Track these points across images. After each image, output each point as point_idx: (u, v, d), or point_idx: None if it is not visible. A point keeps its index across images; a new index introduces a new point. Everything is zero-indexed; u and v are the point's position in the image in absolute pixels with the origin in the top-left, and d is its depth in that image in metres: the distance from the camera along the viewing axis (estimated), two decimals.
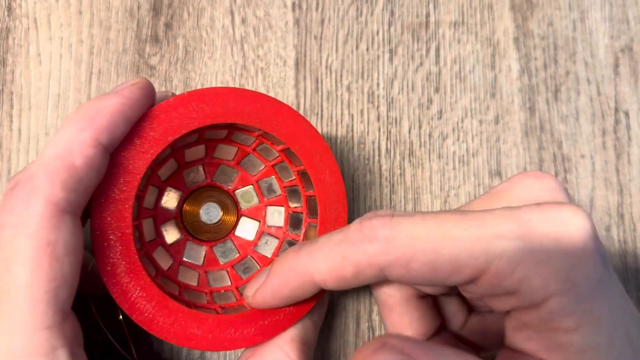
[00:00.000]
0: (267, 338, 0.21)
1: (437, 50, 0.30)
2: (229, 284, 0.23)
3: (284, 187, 0.24)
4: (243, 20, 0.30)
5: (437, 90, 0.30)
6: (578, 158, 0.30)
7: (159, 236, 0.23)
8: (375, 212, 0.18)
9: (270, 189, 0.25)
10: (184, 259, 0.24)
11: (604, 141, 0.30)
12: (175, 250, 0.24)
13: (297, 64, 0.30)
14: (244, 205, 0.25)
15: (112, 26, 0.29)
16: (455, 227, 0.16)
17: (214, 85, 0.29)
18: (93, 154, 0.18)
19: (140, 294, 0.19)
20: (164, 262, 0.23)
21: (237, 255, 0.24)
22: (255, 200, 0.25)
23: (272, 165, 0.24)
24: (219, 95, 0.21)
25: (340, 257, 0.18)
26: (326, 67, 0.30)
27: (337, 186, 0.22)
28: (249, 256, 0.24)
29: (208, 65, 0.29)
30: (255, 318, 0.20)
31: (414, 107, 0.30)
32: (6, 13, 0.29)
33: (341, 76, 0.30)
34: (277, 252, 0.24)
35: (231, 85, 0.29)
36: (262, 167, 0.25)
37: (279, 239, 0.24)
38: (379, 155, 0.29)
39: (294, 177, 0.23)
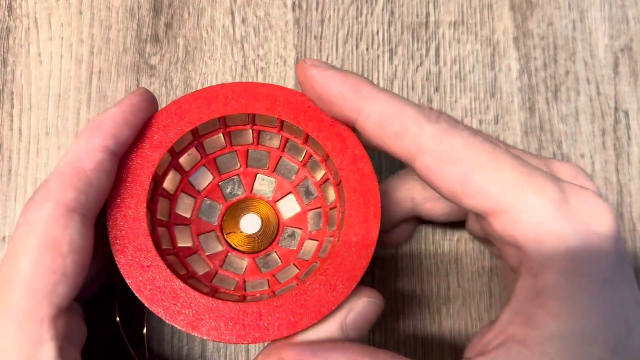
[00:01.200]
0: (293, 331, 0.19)
1: (437, 50, 0.30)
2: (267, 288, 0.22)
3: (319, 185, 0.23)
4: (243, 20, 0.30)
5: (437, 90, 0.30)
6: (578, 158, 0.30)
7: (196, 245, 0.23)
8: (441, 113, 0.19)
9: (308, 192, 0.24)
10: (223, 268, 0.23)
11: (604, 141, 0.30)
12: (214, 260, 0.23)
13: (297, 64, 0.30)
14: (286, 215, 0.24)
15: (113, 26, 0.29)
16: (508, 163, 0.18)
17: (214, 84, 0.29)
18: (101, 158, 0.19)
19: (161, 284, 0.19)
20: (200, 269, 0.22)
21: (280, 264, 0.23)
22: (297, 208, 0.24)
23: (304, 165, 0.24)
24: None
25: (397, 112, 0.19)
26: None
27: (363, 164, 0.21)
28: (291, 264, 0.23)
29: (208, 64, 0.30)
30: (279, 306, 0.19)
31: None
32: (7, 13, 0.29)
33: None
34: (317, 254, 0.22)
35: None
36: (296, 170, 0.24)
37: (318, 241, 0.23)
38: (380, 154, 0.29)
39: (324, 170, 0.23)
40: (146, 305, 0.19)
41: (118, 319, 0.24)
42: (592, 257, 0.17)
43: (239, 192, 0.24)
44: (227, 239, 0.24)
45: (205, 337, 0.19)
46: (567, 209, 0.17)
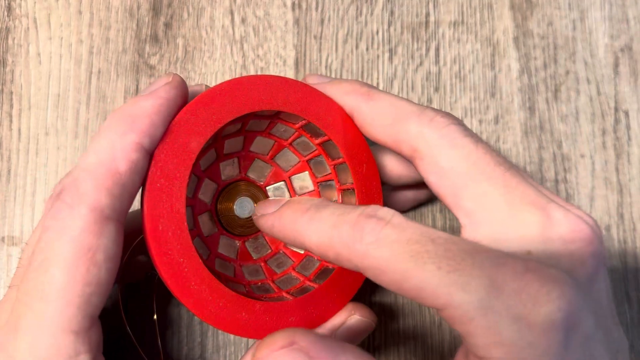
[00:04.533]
0: (312, 328, 0.21)
1: (437, 49, 0.30)
2: (265, 277, 0.23)
3: (318, 182, 0.24)
4: (243, 20, 0.30)
5: (437, 89, 0.30)
6: (578, 158, 0.30)
7: (197, 227, 0.23)
8: (376, 209, 0.18)
9: (303, 186, 0.25)
10: (219, 251, 0.24)
11: (604, 141, 0.30)
12: (211, 242, 0.24)
13: (297, 64, 0.30)
14: None
15: (112, 26, 0.29)
16: (431, 263, 0.16)
17: (214, 84, 0.29)
18: (136, 158, 0.18)
19: (193, 276, 0.19)
20: (203, 253, 0.23)
21: (269, 250, 0.24)
22: (287, 196, 0.25)
23: (307, 160, 0.24)
24: (265, 83, 0.21)
25: (328, 239, 0.18)
26: (326, 67, 0.30)
27: (374, 180, 0.22)
28: (281, 251, 0.24)
29: (208, 64, 0.29)
30: (300, 307, 0.20)
31: None
32: (6, 13, 0.29)
33: (341, 76, 0.30)
34: None
35: None
36: (297, 162, 0.25)
37: None
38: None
39: (330, 172, 0.23)
40: (178, 298, 0.19)
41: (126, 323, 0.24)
42: (531, 346, 0.15)
43: (235, 173, 0.25)
44: (221, 221, 0.24)
45: (217, 328, 0.20)
46: (496, 301, 0.16)
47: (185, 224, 0.19)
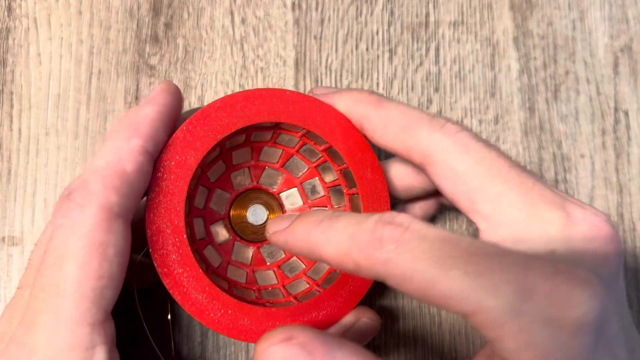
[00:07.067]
0: None
1: (437, 50, 0.30)
2: (276, 282, 0.24)
3: (327, 187, 0.25)
4: (243, 20, 0.30)
5: (436, 90, 0.30)
6: (578, 158, 0.30)
7: (209, 236, 0.24)
8: (393, 215, 0.17)
9: (314, 190, 0.25)
10: (233, 258, 0.24)
11: (604, 141, 0.30)
12: (224, 250, 0.24)
13: (296, 64, 0.30)
14: (289, 207, 0.25)
15: (112, 26, 0.29)
16: (458, 269, 0.16)
17: (214, 85, 0.29)
18: (142, 160, 0.19)
19: (192, 285, 0.20)
20: (214, 261, 0.24)
21: (283, 255, 0.25)
22: (300, 202, 0.25)
23: (315, 166, 0.25)
24: (263, 96, 0.22)
25: (346, 249, 0.18)
26: (326, 67, 0.30)
27: (379, 183, 0.23)
28: (294, 257, 0.25)
29: (208, 65, 0.29)
30: (303, 312, 0.21)
31: None
32: (6, 13, 0.29)
33: (341, 76, 0.30)
34: None
35: (231, 85, 0.30)
36: (306, 169, 0.25)
37: None
38: (380, 155, 0.29)
39: (337, 177, 0.24)
40: (180, 304, 0.20)
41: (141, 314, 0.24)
42: (558, 350, 0.15)
43: (247, 182, 0.25)
44: (235, 228, 0.25)
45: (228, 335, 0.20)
46: (528, 306, 0.15)
47: (184, 237, 0.20)
